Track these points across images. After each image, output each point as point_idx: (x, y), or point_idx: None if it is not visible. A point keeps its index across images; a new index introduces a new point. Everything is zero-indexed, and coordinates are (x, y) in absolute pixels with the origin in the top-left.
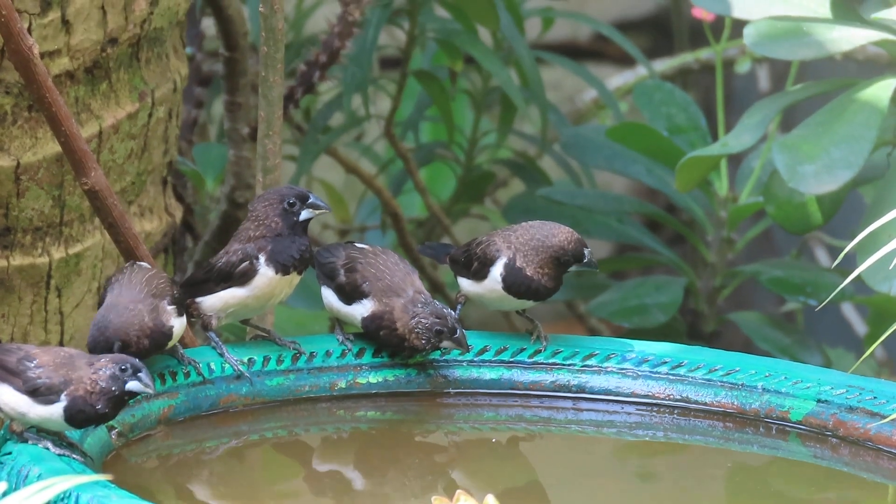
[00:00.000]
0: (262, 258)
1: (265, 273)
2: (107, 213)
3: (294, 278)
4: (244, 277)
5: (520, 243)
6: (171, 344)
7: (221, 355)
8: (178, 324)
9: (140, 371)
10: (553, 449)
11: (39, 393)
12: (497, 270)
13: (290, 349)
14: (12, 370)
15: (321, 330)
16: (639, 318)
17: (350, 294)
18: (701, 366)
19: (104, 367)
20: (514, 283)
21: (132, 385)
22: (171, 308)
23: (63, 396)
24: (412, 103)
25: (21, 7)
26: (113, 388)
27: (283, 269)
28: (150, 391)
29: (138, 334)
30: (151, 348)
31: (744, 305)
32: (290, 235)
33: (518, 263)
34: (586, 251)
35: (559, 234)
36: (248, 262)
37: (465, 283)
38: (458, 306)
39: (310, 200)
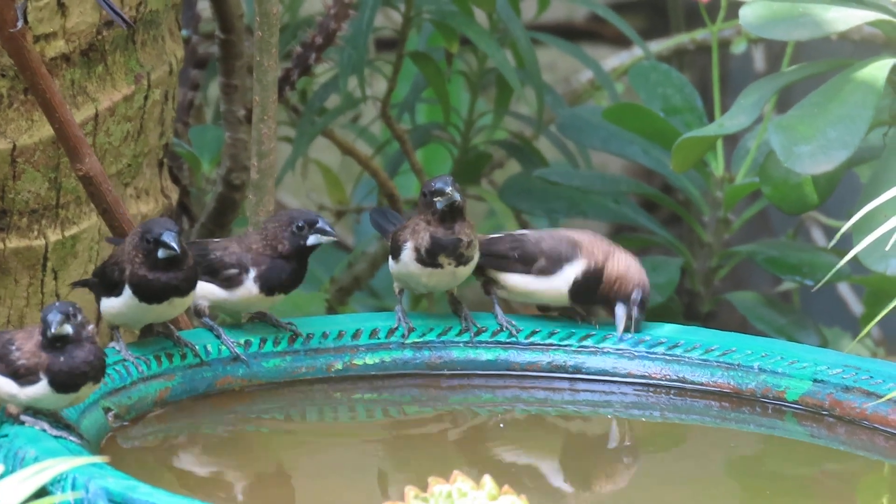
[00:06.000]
0: (252, 273)
1: (249, 287)
2: (101, 199)
3: (278, 298)
4: (228, 282)
5: (613, 257)
6: None
7: (218, 337)
8: None
9: (66, 313)
10: (550, 430)
11: (20, 375)
12: (572, 272)
13: (287, 331)
14: None
15: (317, 312)
16: None
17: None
18: (697, 346)
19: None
20: (582, 291)
21: (61, 329)
22: None
23: (42, 374)
24: (408, 85)
25: None
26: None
27: (268, 290)
28: (67, 331)
29: None
30: None
31: (740, 286)
32: (292, 259)
33: (595, 274)
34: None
35: (639, 272)
36: (236, 270)
37: (515, 278)
38: (494, 298)
39: (318, 225)
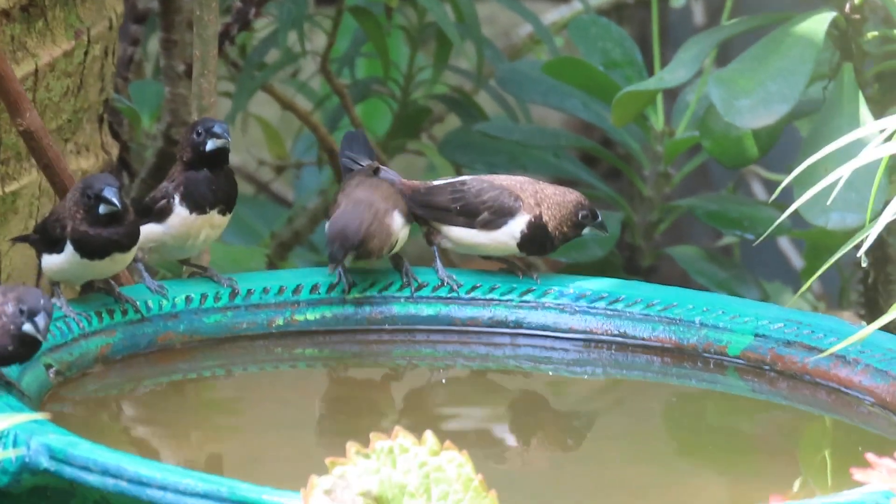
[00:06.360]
0: (177, 197)
1: (180, 212)
2: (42, 154)
3: (214, 218)
4: (161, 215)
5: (546, 199)
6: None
7: (141, 280)
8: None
9: (36, 315)
10: (491, 385)
11: None
12: (517, 226)
13: (227, 286)
14: None
15: (258, 267)
16: (576, 253)
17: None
18: (638, 301)
19: (6, 304)
20: (532, 241)
21: (26, 328)
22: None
23: None
24: (348, 39)
25: None
26: (11, 327)
27: (197, 207)
28: (40, 338)
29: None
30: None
31: (681, 240)
32: (203, 170)
33: (542, 221)
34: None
35: (574, 192)
36: (165, 201)
37: (458, 231)
38: (436, 251)
39: (214, 130)
